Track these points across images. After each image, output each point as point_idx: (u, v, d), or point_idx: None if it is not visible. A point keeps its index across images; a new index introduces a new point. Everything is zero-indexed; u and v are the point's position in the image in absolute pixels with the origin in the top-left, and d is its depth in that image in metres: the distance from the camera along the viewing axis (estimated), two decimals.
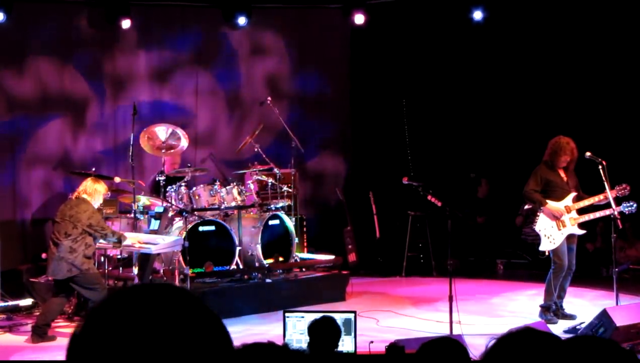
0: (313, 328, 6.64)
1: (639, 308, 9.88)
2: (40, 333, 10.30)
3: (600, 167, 10.31)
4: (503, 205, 16.04)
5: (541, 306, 10.89)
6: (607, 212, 10.43)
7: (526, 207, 11.59)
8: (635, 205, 10.44)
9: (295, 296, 12.23)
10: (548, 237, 10.72)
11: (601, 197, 10.49)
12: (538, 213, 10.81)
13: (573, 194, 10.79)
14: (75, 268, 10.09)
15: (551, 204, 10.71)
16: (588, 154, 10.51)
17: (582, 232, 10.89)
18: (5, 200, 13.50)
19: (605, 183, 10.27)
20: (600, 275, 13.77)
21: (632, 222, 13.71)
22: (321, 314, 7.31)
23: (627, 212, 10.56)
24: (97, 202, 10.44)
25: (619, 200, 10.50)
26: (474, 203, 16.23)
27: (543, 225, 10.76)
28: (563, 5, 15.09)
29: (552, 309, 10.83)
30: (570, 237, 10.79)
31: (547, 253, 10.85)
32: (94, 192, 10.35)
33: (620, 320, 9.23)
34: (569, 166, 10.82)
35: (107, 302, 1.79)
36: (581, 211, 10.81)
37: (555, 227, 10.71)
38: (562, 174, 10.84)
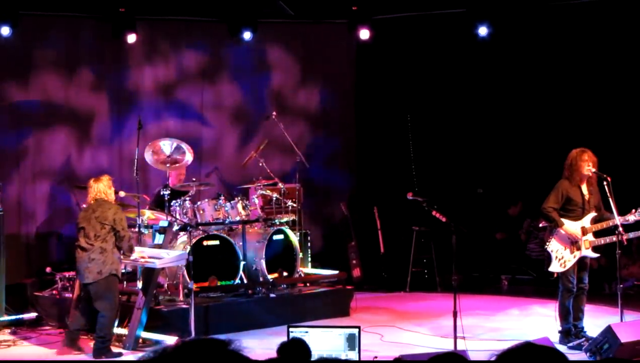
0: (283, 350, 6.60)
1: None
2: (73, 337, 10.45)
3: (605, 183, 10.18)
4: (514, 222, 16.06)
5: (560, 332, 10.53)
6: (625, 237, 10.13)
7: (541, 225, 11.31)
8: None
9: (299, 311, 12.21)
10: (559, 259, 10.39)
11: (621, 219, 10.15)
12: (551, 235, 10.46)
13: (592, 215, 10.44)
14: (105, 270, 10.19)
15: (568, 227, 10.34)
16: (594, 170, 10.33)
17: (596, 255, 10.60)
18: (10, 214, 13.50)
19: (610, 199, 10.13)
20: (604, 292, 13.76)
21: (638, 239, 13.68)
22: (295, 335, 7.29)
23: None
24: (112, 195, 10.71)
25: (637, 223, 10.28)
26: (502, 220, 16.18)
27: (556, 246, 10.41)
28: (568, 21, 15.10)
29: (572, 332, 10.47)
30: (583, 257, 10.50)
31: (555, 275, 10.52)
32: (105, 189, 10.51)
33: (625, 336, 9.21)
34: (592, 181, 10.46)
35: (160, 358, 2.00)
36: (598, 233, 10.49)
37: (569, 250, 10.40)
38: (585, 191, 10.44)
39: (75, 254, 10.54)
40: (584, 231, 10.39)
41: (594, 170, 10.34)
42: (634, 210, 10.27)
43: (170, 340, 10.47)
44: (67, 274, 12.48)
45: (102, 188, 10.52)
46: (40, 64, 14.26)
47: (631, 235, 10.29)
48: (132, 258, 10.64)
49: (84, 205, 11.01)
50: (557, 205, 10.39)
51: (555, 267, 10.44)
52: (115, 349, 10.44)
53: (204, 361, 1.95)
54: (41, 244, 14.08)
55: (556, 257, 10.41)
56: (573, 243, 10.38)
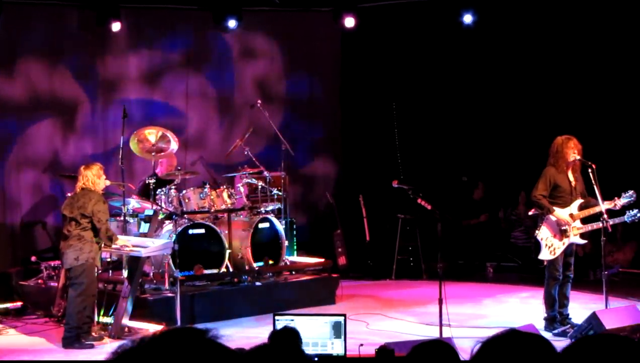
0: (274, 337, 6.62)
1: (628, 311, 9.91)
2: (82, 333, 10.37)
3: (590, 170, 10.18)
4: (497, 208, 16.14)
5: (545, 319, 10.55)
6: (611, 222, 10.16)
7: (530, 213, 11.29)
8: (639, 214, 10.25)
9: (285, 299, 12.23)
10: (549, 247, 10.37)
11: (606, 205, 10.15)
12: (541, 223, 10.46)
13: (579, 201, 10.44)
14: (82, 257, 10.14)
15: (558, 213, 10.33)
16: (578, 157, 10.32)
17: (583, 241, 10.67)
18: None
19: (595, 186, 10.14)
20: (589, 279, 13.81)
21: (622, 226, 13.72)
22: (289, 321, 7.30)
23: (629, 222, 10.42)
24: (101, 184, 10.54)
25: (623, 208, 10.31)
26: (469, 205, 16.27)
27: (545, 234, 10.38)
28: (552, 8, 15.11)
29: (558, 319, 10.47)
30: (570, 244, 10.50)
31: (545, 263, 10.50)
32: (93, 178, 10.43)
33: (610, 323, 9.26)
34: (576, 168, 10.45)
35: (138, 348, 2.00)
36: (585, 220, 10.49)
37: (558, 237, 10.37)
38: (571, 177, 10.44)
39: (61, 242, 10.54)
40: (572, 218, 10.39)
41: (578, 157, 10.34)
42: (616, 198, 10.28)
43: (156, 328, 10.46)
44: (52, 263, 12.47)
45: (91, 176, 10.46)
46: (24, 53, 14.20)
47: (616, 221, 10.33)
48: (117, 246, 10.61)
49: (69, 194, 10.97)
50: (545, 192, 10.38)
51: (545, 255, 10.43)
52: (102, 340, 10.40)
53: (181, 350, 1.97)
54: (26, 233, 14.05)
55: (546, 245, 10.40)
56: (562, 230, 10.37)
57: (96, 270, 10.55)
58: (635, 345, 2.31)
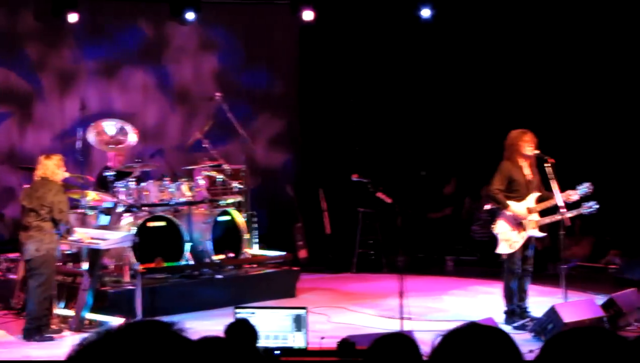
0: (230, 330, 6.60)
1: (587, 305, 9.98)
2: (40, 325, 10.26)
3: (545, 164, 10.20)
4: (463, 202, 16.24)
5: (505, 312, 10.56)
6: (568, 215, 10.20)
7: (486, 207, 11.32)
8: (596, 206, 10.28)
9: (245, 292, 12.19)
10: (507, 241, 10.38)
11: (563, 197, 10.17)
12: (498, 217, 10.45)
13: (536, 194, 10.44)
14: (43, 248, 10.06)
15: (513, 207, 10.32)
16: (536, 151, 10.32)
17: (542, 234, 10.66)
18: None
19: (553, 180, 10.14)
20: (547, 272, 13.90)
21: (580, 220, 13.83)
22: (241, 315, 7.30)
23: (587, 214, 10.46)
24: (60, 175, 10.42)
25: (579, 201, 10.36)
26: (437, 199, 16.33)
27: (502, 228, 10.40)
28: (509, 3, 15.20)
29: (517, 312, 10.49)
30: (529, 238, 10.50)
31: (504, 256, 10.51)
32: (53, 168, 10.32)
33: (569, 316, 9.33)
34: (532, 162, 10.44)
35: (102, 340, 2.01)
36: (543, 213, 10.51)
37: (516, 231, 10.38)
38: (527, 171, 10.44)
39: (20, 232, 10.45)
40: (529, 211, 10.41)
41: (537, 151, 10.37)
42: (572, 191, 10.32)
43: (116, 321, 10.40)
44: (10, 255, 12.35)
45: (51, 166, 10.35)
46: None
47: (574, 212, 10.38)
48: (75, 238, 10.54)
49: (25, 186, 10.87)
50: (502, 186, 10.38)
51: (504, 249, 10.45)
52: (61, 333, 10.34)
53: (145, 342, 1.97)
54: None
55: (504, 239, 10.43)
56: (519, 224, 10.40)
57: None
58: (614, 336, 2.32)
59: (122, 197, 12.07)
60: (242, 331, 6.61)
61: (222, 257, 12.64)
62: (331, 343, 8.20)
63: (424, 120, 16.28)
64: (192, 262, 12.38)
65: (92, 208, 12.05)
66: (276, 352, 8.14)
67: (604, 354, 2.25)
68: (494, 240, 10.59)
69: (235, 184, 13.42)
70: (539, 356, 2.35)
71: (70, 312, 10.74)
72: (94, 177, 13.31)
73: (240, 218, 13.00)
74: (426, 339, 3.52)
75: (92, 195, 12.12)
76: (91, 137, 12.41)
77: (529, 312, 10.58)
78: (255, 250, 13.87)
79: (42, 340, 10.04)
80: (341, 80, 16.51)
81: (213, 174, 13.30)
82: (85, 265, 11.03)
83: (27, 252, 10.20)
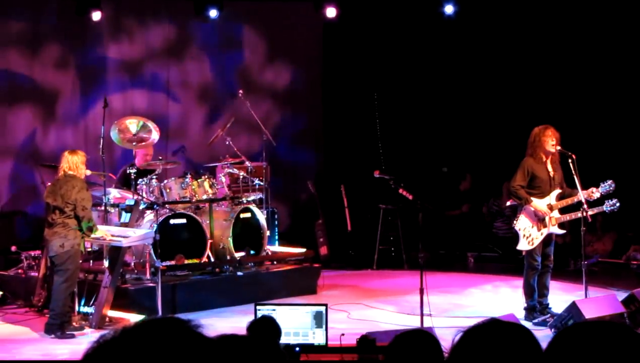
0: (253, 327, 6.61)
1: (608, 301, 9.94)
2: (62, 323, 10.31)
3: (570, 161, 10.17)
4: (481, 199, 16.19)
5: (525, 308, 10.57)
6: (590, 213, 10.16)
7: (508, 203, 11.28)
8: (618, 204, 10.26)
9: (266, 289, 12.21)
10: (527, 237, 10.38)
11: (585, 194, 10.15)
12: (519, 213, 10.45)
13: (557, 191, 10.44)
14: (67, 244, 10.11)
15: (536, 204, 10.33)
16: (558, 147, 10.31)
17: (562, 232, 10.64)
18: None
19: (575, 176, 10.13)
20: (569, 268, 13.86)
21: (602, 216, 13.79)
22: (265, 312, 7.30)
23: (608, 211, 10.40)
24: (83, 172, 10.48)
25: (601, 198, 10.33)
26: (453, 196, 16.31)
27: (523, 224, 10.40)
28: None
29: (537, 308, 10.51)
30: (549, 234, 10.49)
31: (524, 253, 10.51)
32: (78, 163, 10.38)
33: (589, 312, 9.30)
34: (555, 158, 10.41)
35: (119, 337, 2.01)
36: (563, 210, 10.50)
37: (536, 227, 10.39)
38: (550, 168, 10.42)
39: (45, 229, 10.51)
40: (550, 208, 10.39)
41: (559, 147, 10.35)
42: (594, 188, 10.29)
43: (137, 318, 10.43)
44: (32, 253, 12.41)
45: (76, 161, 10.39)
46: (3, 41, 14.12)
47: (595, 210, 10.35)
48: (97, 236, 10.58)
49: (49, 184, 10.91)
50: (524, 182, 10.38)
51: (523, 245, 10.44)
52: (82, 330, 10.38)
53: (162, 340, 1.97)
54: (6, 223, 13.96)
55: (524, 235, 10.41)
56: (540, 220, 10.38)
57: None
58: (626, 329, 2.32)
59: (143, 194, 12.11)
60: (266, 328, 6.62)
61: (243, 254, 12.66)
62: (351, 340, 8.21)
63: (446, 116, 16.26)
64: (213, 260, 12.40)
65: (113, 205, 12.09)
66: (297, 348, 8.15)
67: (613, 348, 2.24)
68: (516, 237, 10.58)
69: (257, 181, 13.43)
70: (548, 347, 2.35)
71: (91, 310, 10.78)
72: (117, 174, 13.36)
73: (261, 216, 13.02)
74: (446, 335, 3.54)
75: (113, 193, 12.18)
76: (114, 134, 12.44)
77: (550, 308, 10.58)
78: (276, 247, 13.89)
79: (63, 337, 10.09)
80: (364, 77, 16.50)
81: (235, 171, 13.31)
82: (106, 263, 11.08)
83: (51, 249, 10.26)
